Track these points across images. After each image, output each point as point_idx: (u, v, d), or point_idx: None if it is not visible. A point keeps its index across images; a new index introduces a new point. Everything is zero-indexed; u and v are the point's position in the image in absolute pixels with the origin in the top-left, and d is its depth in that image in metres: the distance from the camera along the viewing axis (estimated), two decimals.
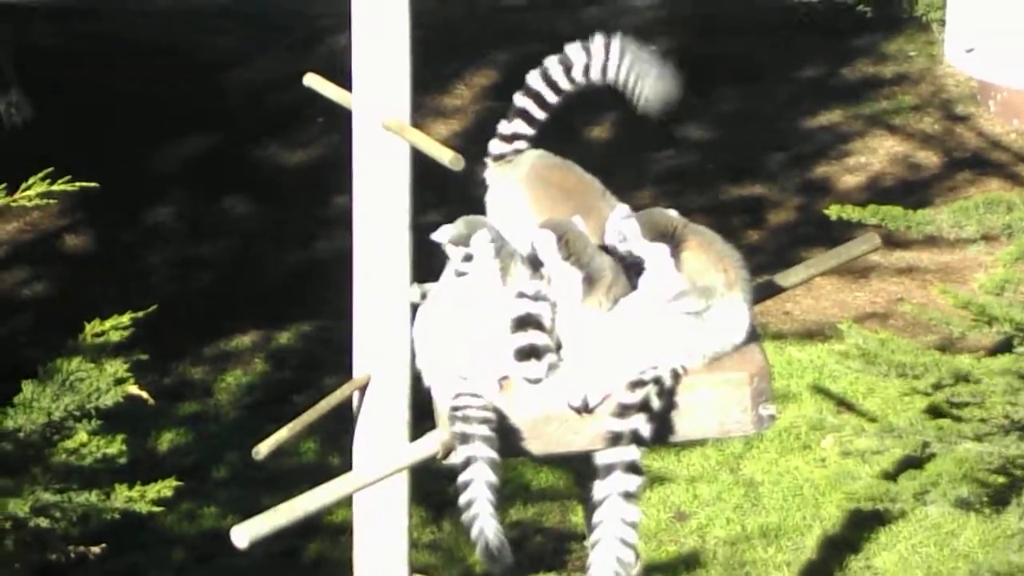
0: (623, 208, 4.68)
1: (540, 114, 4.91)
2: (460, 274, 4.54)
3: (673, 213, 4.65)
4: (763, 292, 4.96)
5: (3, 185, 5.61)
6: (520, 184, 4.85)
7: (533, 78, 4.91)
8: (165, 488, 5.68)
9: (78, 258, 10.23)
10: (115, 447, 5.66)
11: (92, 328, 5.81)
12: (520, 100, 4.93)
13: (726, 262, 4.60)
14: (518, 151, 4.92)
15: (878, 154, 11.23)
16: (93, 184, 5.80)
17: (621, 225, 4.59)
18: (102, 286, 9.73)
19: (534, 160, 4.89)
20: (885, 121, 11.55)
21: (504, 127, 4.94)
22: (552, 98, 4.88)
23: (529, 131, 4.91)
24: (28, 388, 5.66)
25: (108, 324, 5.82)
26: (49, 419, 5.64)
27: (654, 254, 4.57)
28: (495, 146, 4.95)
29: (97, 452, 5.64)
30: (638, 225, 4.58)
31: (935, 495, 6.29)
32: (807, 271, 5.14)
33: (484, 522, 4.32)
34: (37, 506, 5.47)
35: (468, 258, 4.52)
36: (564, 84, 4.87)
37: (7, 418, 5.62)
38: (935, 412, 6.58)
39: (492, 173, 4.94)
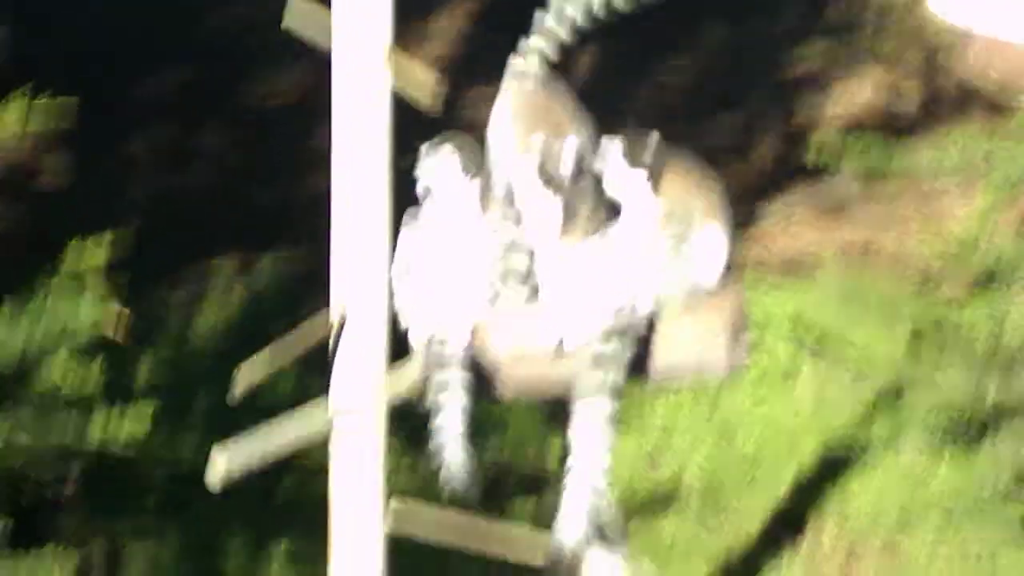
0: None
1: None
2: (426, 190, 4.50)
3: (655, 136, 4.61)
4: (743, 222, 4.94)
5: None
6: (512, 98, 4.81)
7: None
8: (142, 418, 5.64)
9: (54, 191, 10.17)
10: (91, 376, 5.62)
11: (72, 249, 5.74)
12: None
13: (706, 187, 4.57)
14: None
15: (860, 93, 11.20)
16: (71, 102, 5.72)
17: (605, 146, 4.55)
18: (78, 218, 9.66)
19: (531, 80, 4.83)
20: (866, 60, 11.51)
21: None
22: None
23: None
24: (5, 312, 5.61)
25: (88, 243, 5.75)
26: (24, 354, 5.60)
27: (633, 179, 4.54)
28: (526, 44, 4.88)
29: (74, 381, 5.59)
30: (621, 147, 4.54)
31: (906, 440, 6.31)
32: (785, 208, 5.13)
33: (451, 449, 4.31)
34: (7, 445, 5.44)
35: (430, 172, 4.49)
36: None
37: None
38: (912, 352, 6.60)
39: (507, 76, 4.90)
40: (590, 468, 4.37)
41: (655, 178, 4.53)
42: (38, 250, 9.05)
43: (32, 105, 5.65)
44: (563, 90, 4.88)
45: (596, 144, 4.61)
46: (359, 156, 4.73)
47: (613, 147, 4.56)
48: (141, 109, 10.83)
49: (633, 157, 4.54)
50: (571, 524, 4.36)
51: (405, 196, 4.79)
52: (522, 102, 4.77)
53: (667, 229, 4.52)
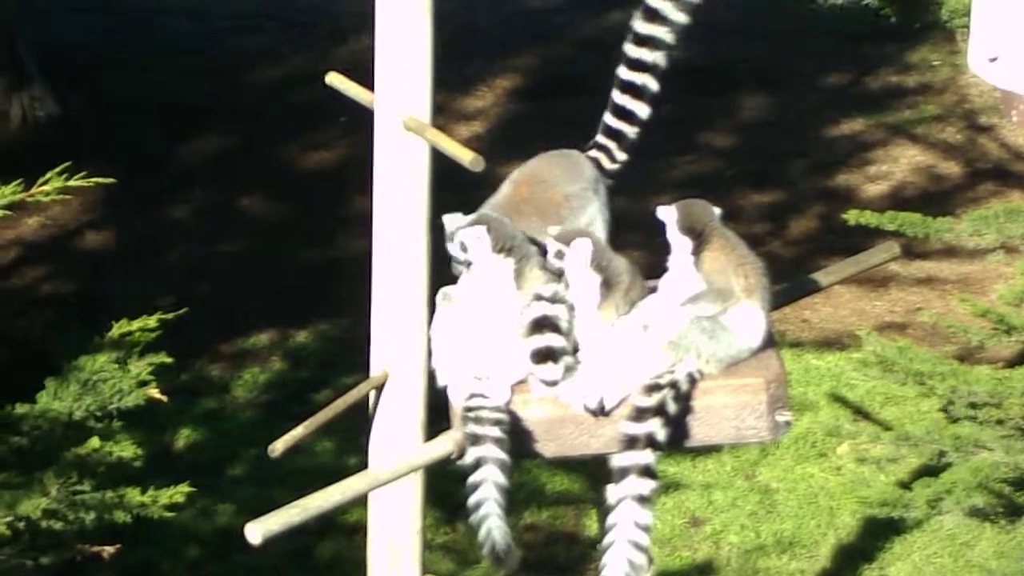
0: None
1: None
2: (457, 262, 4.54)
3: (715, 210, 4.65)
4: (782, 297, 4.95)
5: (19, 181, 5.61)
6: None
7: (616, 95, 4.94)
8: (178, 493, 5.67)
9: (97, 254, 10.26)
10: (129, 451, 5.66)
11: (119, 328, 5.80)
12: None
13: (747, 268, 4.59)
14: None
15: (900, 163, 11.21)
16: (110, 180, 5.80)
17: (660, 213, 4.61)
18: (122, 282, 9.75)
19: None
20: (907, 130, 11.52)
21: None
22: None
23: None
24: (51, 386, 5.66)
25: (135, 325, 5.81)
26: (70, 419, 5.64)
27: (679, 247, 4.58)
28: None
29: (111, 457, 5.64)
30: (676, 213, 4.59)
31: (949, 503, 6.28)
32: (826, 278, 5.13)
33: (492, 523, 4.32)
34: (50, 508, 5.47)
35: (463, 248, 4.53)
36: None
37: (26, 416, 5.62)
38: (953, 421, 6.57)
39: None
40: (632, 526, 4.36)
41: (699, 252, 4.57)
42: (83, 314, 9.16)
43: (75, 175, 5.71)
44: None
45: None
46: (399, 219, 4.77)
47: (668, 215, 4.60)
48: (183, 172, 10.93)
49: (686, 225, 4.58)
50: None
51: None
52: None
53: (703, 307, 4.54)
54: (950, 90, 11.98)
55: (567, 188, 4.68)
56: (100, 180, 5.72)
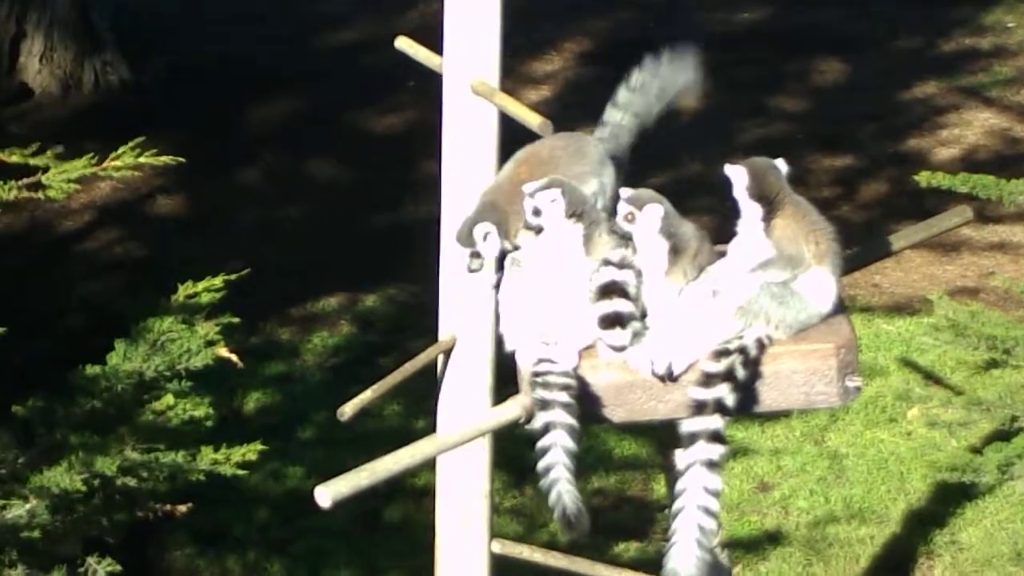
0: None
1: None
2: (529, 228, 4.52)
3: (783, 170, 4.60)
4: (852, 262, 4.92)
5: (92, 155, 5.66)
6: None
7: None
8: (250, 452, 5.72)
9: (169, 218, 10.34)
10: (202, 410, 5.71)
11: (185, 289, 5.85)
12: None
13: (817, 234, 4.56)
14: None
15: (973, 127, 11.10)
16: (178, 160, 5.83)
17: (728, 171, 4.55)
18: (192, 246, 9.82)
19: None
20: (981, 93, 11.40)
21: None
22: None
23: None
24: (120, 347, 5.72)
25: (201, 286, 5.86)
26: (140, 379, 5.70)
27: (749, 212, 4.54)
28: None
29: (184, 415, 5.70)
30: (747, 176, 4.54)
31: (1021, 468, 6.22)
32: (897, 243, 5.09)
33: (561, 488, 4.32)
34: (124, 465, 5.53)
35: (536, 212, 4.51)
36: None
37: (99, 376, 5.68)
38: None
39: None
40: (701, 491, 4.35)
41: (769, 218, 4.53)
42: (154, 275, 9.24)
43: (147, 141, 5.76)
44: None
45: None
46: (467, 183, 4.77)
47: (737, 176, 4.56)
48: (253, 137, 10.98)
49: (757, 192, 4.54)
50: (679, 562, 4.34)
51: None
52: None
53: (773, 273, 4.51)
54: None
55: (567, 170, 4.64)
56: (169, 160, 5.75)
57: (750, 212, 4.56)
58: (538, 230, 4.53)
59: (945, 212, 5.15)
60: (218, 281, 5.86)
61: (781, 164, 4.62)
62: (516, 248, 4.58)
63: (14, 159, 5.46)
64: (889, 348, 8.94)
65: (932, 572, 7.66)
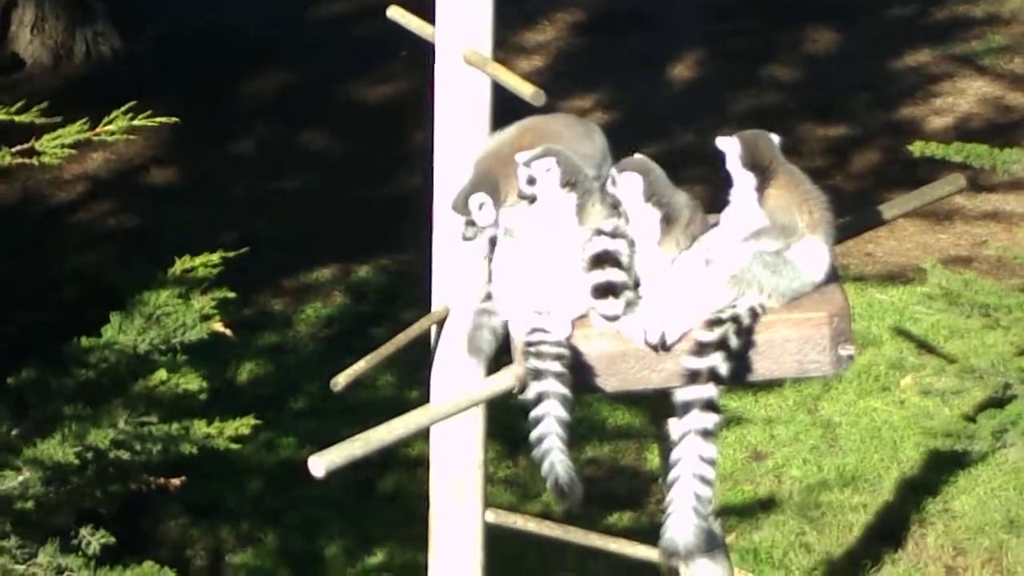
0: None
1: None
2: (523, 197, 4.51)
3: (776, 141, 4.59)
4: (845, 231, 4.92)
5: (85, 120, 5.64)
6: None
7: None
8: (243, 426, 5.73)
9: (162, 189, 10.32)
10: (195, 383, 5.72)
11: (182, 264, 5.84)
12: None
13: (811, 203, 4.55)
14: None
15: (966, 95, 11.09)
16: (174, 120, 5.82)
17: (720, 143, 4.54)
18: (186, 217, 9.81)
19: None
20: (974, 61, 11.39)
21: None
22: None
23: None
24: (116, 320, 5.72)
25: (198, 261, 5.85)
26: (135, 352, 5.70)
27: (743, 182, 4.53)
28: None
29: (177, 388, 5.70)
30: (740, 147, 4.53)
31: (1014, 435, 6.23)
32: (890, 212, 5.09)
33: (554, 457, 4.33)
34: (118, 438, 5.53)
35: (531, 180, 4.49)
36: None
37: (93, 349, 5.68)
38: (1018, 354, 6.52)
39: None
40: (696, 460, 4.36)
41: (763, 188, 4.52)
42: (147, 247, 9.23)
43: (140, 112, 5.74)
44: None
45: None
46: (460, 153, 4.76)
47: (730, 147, 4.55)
48: (246, 108, 10.96)
49: (750, 161, 4.52)
50: (677, 530, 4.35)
51: None
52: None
53: (766, 243, 4.50)
54: (1018, 20, 11.81)
55: (572, 148, 4.62)
56: (164, 120, 5.74)
57: (743, 182, 4.55)
58: (532, 199, 4.52)
59: (938, 181, 5.15)
60: (215, 256, 5.86)
61: (774, 137, 4.61)
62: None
63: (1, 118, 5.44)
64: (882, 317, 8.95)
65: (925, 540, 7.68)
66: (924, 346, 8.68)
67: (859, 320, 8.75)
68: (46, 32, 11.30)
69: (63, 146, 5.50)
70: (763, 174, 4.53)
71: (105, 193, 10.25)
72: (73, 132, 5.56)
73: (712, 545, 4.65)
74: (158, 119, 5.71)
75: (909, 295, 9.00)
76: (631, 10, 11.78)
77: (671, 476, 4.39)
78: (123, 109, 5.66)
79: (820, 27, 11.75)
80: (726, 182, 4.57)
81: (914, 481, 7.93)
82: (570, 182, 4.50)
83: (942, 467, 7.90)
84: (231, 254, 5.86)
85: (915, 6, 11.99)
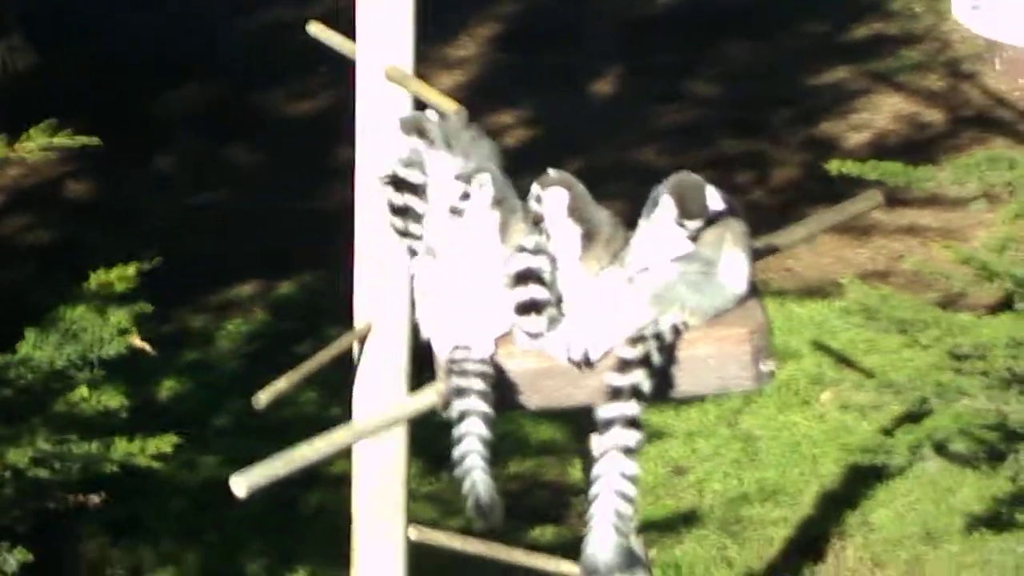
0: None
1: None
2: (454, 211, 4.50)
3: (714, 197, 4.55)
4: (765, 250, 4.95)
5: (2, 136, 5.58)
6: None
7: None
8: (164, 444, 5.68)
9: (80, 204, 10.23)
10: (116, 400, 5.67)
11: (97, 278, 5.80)
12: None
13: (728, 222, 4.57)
14: None
15: (883, 111, 11.20)
16: (94, 141, 5.76)
17: (661, 203, 4.50)
18: (104, 233, 9.73)
19: None
20: (890, 78, 11.51)
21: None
22: None
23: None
24: (31, 336, 5.66)
25: (113, 274, 5.81)
26: (51, 368, 5.64)
27: (681, 234, 4.53)
28: None
29: (98, 405, 5.65)
30: (673, 209, 4.49)
31: (930, 449, 6.30)
32: (809, 228, 5.13)
33: (476, 476, 4.32)
34: (36, 456, 5.48)
35: (465, 196, 4.48)
36: None
37: (9, 366, 5.62)
38: (935, 369, 6.59)
39: None
40: (618, 476, 4.37)
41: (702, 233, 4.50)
42: (65, 262, 9.14)
43: (57, 128, 5.69)
44: None
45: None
46: (381, 168, 4.75)
47: (667, 207, 4.50)
48: (165, 123, 10.89)
49: (686, 214, 4.49)
50: (597, 547, 4.36)
51: None
52: None
53: (696, 265, 4.51)
54: (932, 37, 11.95)
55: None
56: (85, 140, 5.69)
57: (675, 233, 4.52)
58: (459, 213, 4.50)
59: (856, 197, 5.20)
60: (131, 270, 5.81)
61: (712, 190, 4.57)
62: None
63: None
64: (802, 331, 9.01)
65: (844, 553, 7.74)
66: (843, 360, 8.75)
67: (779, 334, 8.81)
68: None
69: None
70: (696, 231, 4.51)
71: (21, 208, 10.15)
72: None
73: (632, 562, 4.66)
74: (78, 139, 5.66)
75: (828, 309, 9.08)
76: (552, 26, 11.82)
77: (592, 492, 4.39)
78: (42, 126, 5.61)
79: (739, 43, 11.83)
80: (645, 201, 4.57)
81: (834, 494, 7.99)
82: (498, 199, 4.50)
83: (861, 480, 7.97)
84: (147, 266, 5.82)
85: (833, 23, 12.11)
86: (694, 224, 4.48)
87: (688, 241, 4.51)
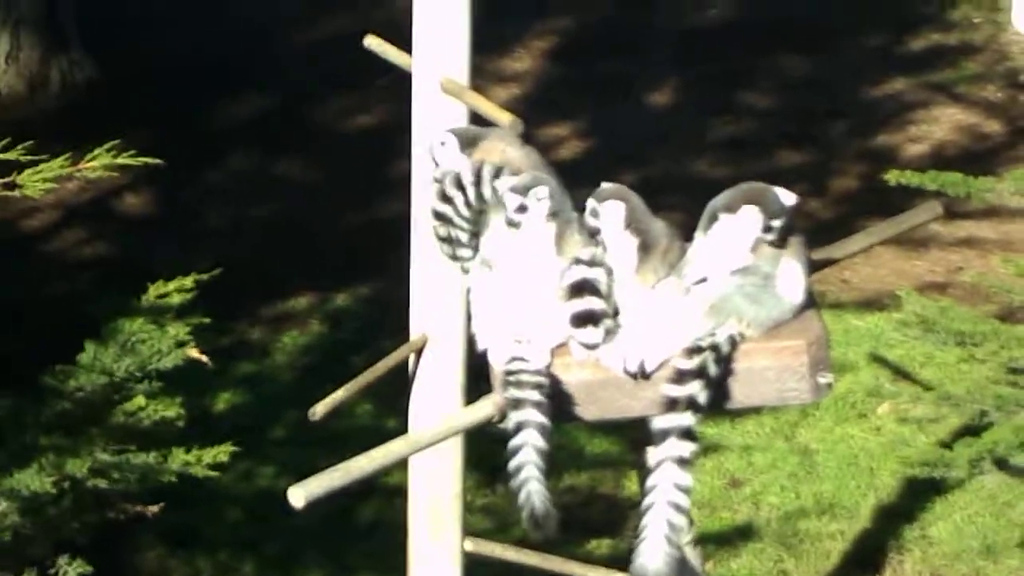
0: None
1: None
2: (511, 224, 4.49)
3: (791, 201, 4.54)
4: (822, 262, 4.93)
5: (67, 156, 5.63)
6: None
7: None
8: (222, 453, 5.71)
9: (138, 216, 10.30)
10: (173, 410, 5.70)
11: (155, 289, 5.83)
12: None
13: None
14: None
15: (941, 123, 11.14)
16: (156, 161, 5.81)
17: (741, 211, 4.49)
18: (161, 245, 9.79)
19: None
20: (949, 89, 11.45)
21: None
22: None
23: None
24: (91, 348, 5.70)
25: (171, 286, 5.84)
26: (110, 380, 5.68)
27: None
28: None
29: (155, 415, 5.68)
30: (759, 218, 4.47)
31: (990, 463, 6.25)
32: (867, 239, 5.11)
33: (531, 487, 4.32)
34: (95, 467, 5.51)
35: (522, 208, 4.48)
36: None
37: (69, 377, 5.66)
38: (994, 382, 6.54)
39: None
40: (672, 488, 4.35)
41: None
42: (124, 275, 9.20)
43: (116, 140, 5.74)
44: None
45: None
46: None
47: (748, 215, 4.49)
48: (223, 135, 10.95)
49: (772, 215, 4.49)
50: (648, 557, 4.35)
51: None
52: None
53: (753, 279, 4.50)
54: (991, 48, 11.88)
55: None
56: (148, 160, 5.73)
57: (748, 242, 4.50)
58: (515, 226, 4.50)
59: (915, 208, 5.17)
60: (189, 281, 5.84)
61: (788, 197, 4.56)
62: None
63: None
64: (859, 344, 8.97)
65: (902, 566, 7.69)
66: (900, 373, 8.70)
67: (836, 347, 8.76)
68: (21, 62, 11.28)
69: (45, 180, 5.50)
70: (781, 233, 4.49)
71: (79, 221, 10.23)
72: (55, 167, 5.56)
73: (684, 574, 4.65)
74: (143, 159, 5.70)
75: (885, 322, 9.03)
76: (606, 38, 11.81)
77: (645, 503, 4.38)
78: (106, 147, 5.65)
79: (796, 54, 11.80)
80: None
81: (891, 508, 7.94)
82: (555, 211, 4.50)
83: (919, 494, 7.91)
84: (206, 277, 5.85)
85: (890, 35, 12.06)
86: (779, 223, 4.48)
87: (751, 254, 4.50)
